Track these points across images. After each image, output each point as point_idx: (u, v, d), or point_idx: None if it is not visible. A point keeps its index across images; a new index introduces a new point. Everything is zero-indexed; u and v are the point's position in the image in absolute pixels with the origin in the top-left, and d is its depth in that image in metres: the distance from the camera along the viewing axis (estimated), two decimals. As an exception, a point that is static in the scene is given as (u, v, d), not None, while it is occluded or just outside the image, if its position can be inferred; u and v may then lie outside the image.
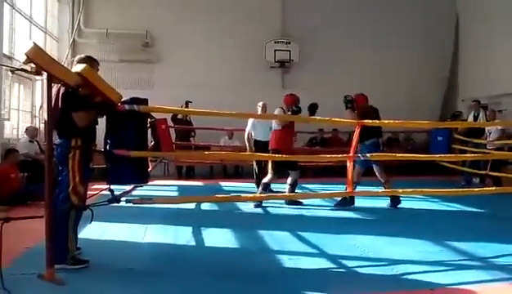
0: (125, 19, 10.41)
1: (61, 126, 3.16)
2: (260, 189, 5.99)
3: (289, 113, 5.82)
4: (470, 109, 8.62)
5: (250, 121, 6.97)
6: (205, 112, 4.78)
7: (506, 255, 3.60)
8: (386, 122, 5.37)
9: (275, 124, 5.98)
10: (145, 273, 3.15)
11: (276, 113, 5.97)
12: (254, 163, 7.17)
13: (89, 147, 3.30)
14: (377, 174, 5.69)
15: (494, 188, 5.63)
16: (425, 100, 10.86)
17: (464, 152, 7.46)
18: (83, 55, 3.46)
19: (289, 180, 5.86)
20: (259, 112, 7.07)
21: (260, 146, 6.83)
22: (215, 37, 10.46)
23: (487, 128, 7.70)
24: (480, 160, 7.36)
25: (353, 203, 5.67)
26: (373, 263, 3.41)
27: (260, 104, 7.15)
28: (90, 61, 3.31)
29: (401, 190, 5.03)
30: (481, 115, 8.03)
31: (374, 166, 5.66)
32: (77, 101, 3.12)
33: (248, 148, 7.03)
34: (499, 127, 7.40)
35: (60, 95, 3.18)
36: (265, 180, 5.92)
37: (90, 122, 3.23)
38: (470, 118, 8.25)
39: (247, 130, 6.99)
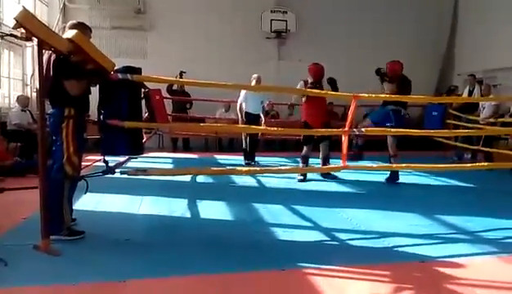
0: (117, -16, 10.06)
1: (53, 95, 3.08)
2: (300, 162, 5.97)
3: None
4: (466, 84, 8.60)
5: (243, 92, 6.99)
6: (200, 83, 4.65)
7: (494, 229, 3.69)
8: (382, 95, 5.35)
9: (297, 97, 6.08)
10: (140, 243, 3.19)
11: (298, 87, 5.68)
12: (243, 135, 7.27)
13: (83, 117, 3.24)
14: (389, 145, 5.68)
15: (486, 164, 5.67)
16: (421, 74, 10.72)
17: (458, 127, 7.49)
18: (75, 21, 3.34)
19: (320, 154, 5.86)
20: (253, 84, 6.99)
21: (251, 119, 6.89)
22: (210, 5, 10.16)
23: (480, 103, 7.72)
24: (472, 135, 7.40)
25: (398, 178, 5.70)
26: (365, 236, 3.48)
27: (255, 76, 7.08)
28: (82, 28, 3.20)
29: (395, 165, 5.09)
30: (476, 90, 8.02)
31: (388, 136, 5.66)
32: (68, 69, 3.03)
33: (239, 119, 7.12)
34: (493, 103, 7.40)
35: (52, 62, 3.09)
36: (302, 153, 5.88)
37: (82, 91, 3.15)
38: (465, 93, 8.24)
39: (239, 101, 7.07)
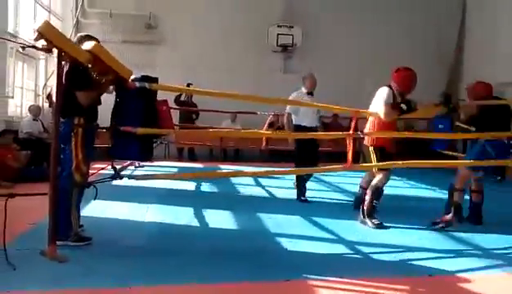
0: (129, 0, 10.31)
1: (64, 105, 3.16)
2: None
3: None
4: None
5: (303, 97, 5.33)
6: (208, 92, 4.72)
7: (504, 244, 3.64)
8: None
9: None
10: (145, 250, 3.20)
11: (384, 95, 4.07)
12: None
13: (92, 126, 3.31)
14: (458, 176, 4.29)
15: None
16: (427, 87, 10.72)
17: (466, 141, 7.40)
18: (83, 34, 3.44)
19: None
20: (304, 89, 5.34)
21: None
22: (218, 20, 10.36)
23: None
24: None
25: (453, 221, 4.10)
26: (373, 248, 3.44)
27: (308, 75, 5.45)
28: (91, 39, 3.29)
29: (401, 162, 4.06)
30: None
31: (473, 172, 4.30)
32: (81, 80, 3.12)
33: (287, 130, 5.47)
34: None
35: (64, 73, 3.17)
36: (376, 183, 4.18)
37: (93, 101, 3.23)
38: None
39: (286, 111, 5.48)
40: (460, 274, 2.91)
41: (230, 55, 10.34)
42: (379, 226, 4.04)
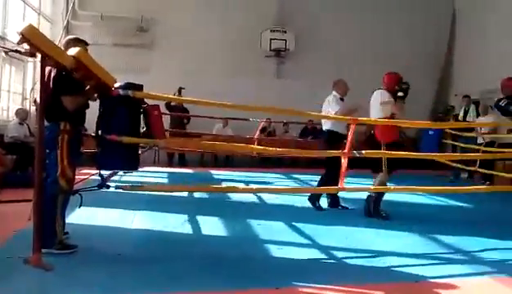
0: (120, 2, 10.27)
1: (50, 110, 3.11)
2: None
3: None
4: (462, 104, 8.77)
5: (338, 104, 5.09)
6: (198, 101, 4.63)
7: (490, 249, 3.66)
8: (380, 120, 5.08)
9: (379, 112, 4.69)
10: (132, 258, 3.15)
11: (379, 97, 4.67)
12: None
13: (78, 131, 3.26)
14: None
15: (484, 187, 5.66)
16: (418, 94, 10.82)
17: (455, 147, 7.52)
18: (71, 37, 3.40)
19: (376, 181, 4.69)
20: (337, 94, 5.13)
21: (340, 141, 4.91)
22: (211, 23, 10.35)
23: (478, 121, 7.86)
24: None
25: None
26: (361, 254, 3.45)
27: (338, 81, 5.26)
28: (79, 43, 3.25)
29: (392, 187, 4.88)
30: (471, 109, 8.28)
31: None
32: (68, 85, 3.08)
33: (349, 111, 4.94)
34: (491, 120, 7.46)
35: (52, 77, 3.13)
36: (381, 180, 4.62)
37: (80, 106, 3.18)
38: (461, 113, 8.49)
39: (335, 110, 5.02)
40: (446, 280, 2.91)
41: (222, 59, 10.34)
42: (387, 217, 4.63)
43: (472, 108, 8.29)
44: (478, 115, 8.04)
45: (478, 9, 10.18)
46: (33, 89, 8.80)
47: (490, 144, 7.25)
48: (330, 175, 4.80)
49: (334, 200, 5.28)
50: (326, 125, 5.20)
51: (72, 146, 3.13)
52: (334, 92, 5.18)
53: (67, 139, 3.08)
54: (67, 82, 3.07)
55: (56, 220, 3.08)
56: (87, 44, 3.37)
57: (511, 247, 3.74)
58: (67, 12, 10.02)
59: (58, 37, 9.65)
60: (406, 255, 3.46)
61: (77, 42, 3.29)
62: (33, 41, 2.69)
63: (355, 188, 5.11)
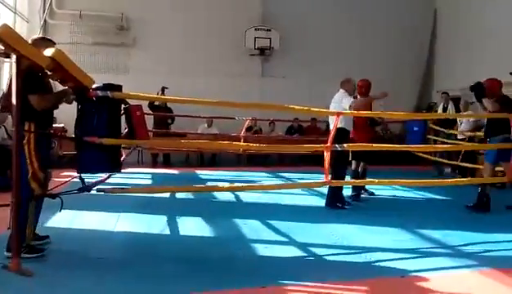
0: (100, 0, 10.05)
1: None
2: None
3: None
4: (441, 100, 8.92)
5: (349, 100, 5.08)
6: (180, 99, 4.59)
7: (473, 243, 3.72)
8: (364, 112, 5.31)
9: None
10: (115, 262, 3.09)
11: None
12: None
13: (46, 132, 3.15)
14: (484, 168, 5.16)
15: (466, 179, 5.77)
16: (402, 91, 11.00)
17: (437, 142, 7.65)
18: (37, 37, 3.30)
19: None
20: (342, 92, 5.11)
21: (347, 137, 5.01)
22: (194, 22, 10.23)
23: (458, 119, 8.00)
24: (452, 151, 7.57)
25: (488, 209, 4.90)
26: (347, 251, 3.46)
27: (346, 79, 5.25)
28: (47, 42, 3.17)
29: (377, 181, 5.00)
30: (450, 106, 8.46)
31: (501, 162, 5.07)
32: (34, 83, 2.96)
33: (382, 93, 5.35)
34: (470, 119, 7.63)
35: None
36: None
37: (49, 106, 3.08)
38: (440, 109, 8.66)
39: (348, 104, 5.04)
40: (432, 274, 2.95)
41: (206, 58, 10.24)
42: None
43: (450, 104, 8.47)
44: (458, 112, 8.20)
45: (459, 8, 10.36)
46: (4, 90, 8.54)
47: (470, 140, 7.42)
48: (342, 172, 5.10)
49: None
50: (340, 123, 4.85)
51: (41, 147, 3.01)
52: (341, 90, 5.19)
53: (33, 140, 2.95)
54: (33, 80, 2.95)
55: (28, 223, 2.97)
56: (54, 43, 3.27)
57: (493, 240, 3.82)
58: (44, 11, 9.76)
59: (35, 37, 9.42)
60: (391, 250, 3.49)
61: (44, 41, 3.21)
62: (8, 41, 2.60)
63: (339, 182, 5.04)
